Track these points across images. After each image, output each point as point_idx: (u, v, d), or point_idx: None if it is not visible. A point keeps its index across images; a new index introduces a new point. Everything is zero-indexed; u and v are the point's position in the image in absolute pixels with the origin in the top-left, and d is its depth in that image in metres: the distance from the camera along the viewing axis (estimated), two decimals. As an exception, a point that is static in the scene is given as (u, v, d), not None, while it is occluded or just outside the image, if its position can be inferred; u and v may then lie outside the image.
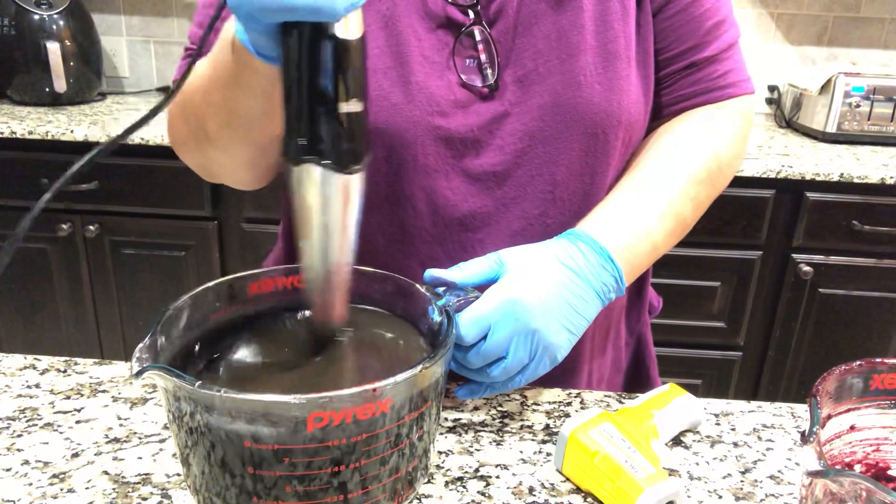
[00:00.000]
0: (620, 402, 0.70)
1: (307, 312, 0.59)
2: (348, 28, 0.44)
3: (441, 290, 0.58)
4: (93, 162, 0.47)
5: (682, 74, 0.71)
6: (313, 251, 0.49)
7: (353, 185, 0.47)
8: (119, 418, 0.64)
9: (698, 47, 0.70)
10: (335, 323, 0.53)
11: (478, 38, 0.66)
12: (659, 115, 0.74)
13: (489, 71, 0.66)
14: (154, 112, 0.50)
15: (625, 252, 0.64)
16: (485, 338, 0.57)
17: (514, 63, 0.66)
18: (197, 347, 0.54)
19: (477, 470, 0.59)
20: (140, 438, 0.61)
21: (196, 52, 0.50)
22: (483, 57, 0.66)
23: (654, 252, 0.67)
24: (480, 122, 0.66)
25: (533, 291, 0.58)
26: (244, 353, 0.54)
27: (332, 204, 0.47)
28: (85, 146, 1.75)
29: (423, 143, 0.65)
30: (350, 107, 0.45)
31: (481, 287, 0.59)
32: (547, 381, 0.70)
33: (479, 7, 0.66)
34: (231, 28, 0.53)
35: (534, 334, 0.58)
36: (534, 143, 0.67)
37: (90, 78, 2.11)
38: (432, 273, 0.59)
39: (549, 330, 0.58)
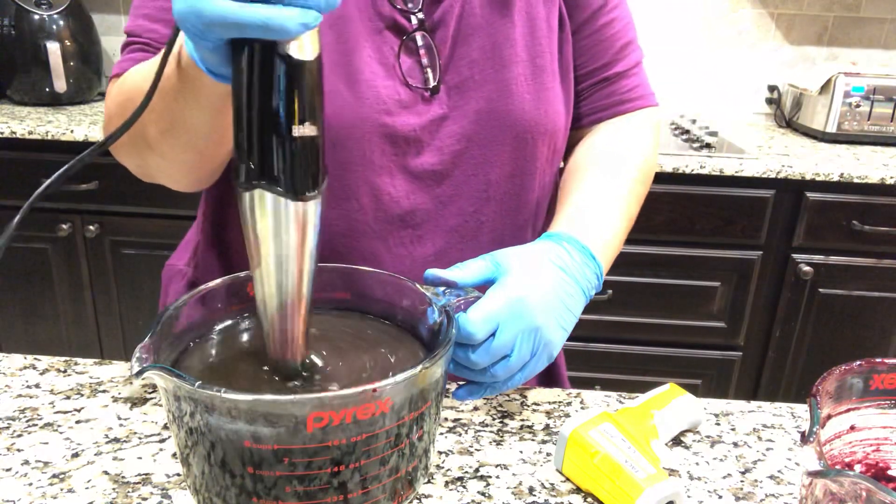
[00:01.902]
0: (620, 402, 0.70)
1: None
2: (302, 48, 0.41)
3: (441, 290, 0.58)
4: (63, 179, 0.47)
5: (598, 88, 0.79)
6: (266, 282, 0.47)
7: (307, 212, 0.45)
8: (119, 418, 0.64)
9: (610, 64, 0.79)
10: (292, 361, 0.50)
11: (420, 42, 0.70)
12: (578, 124, 0.81)
13: (431, 74, 0.70)
14: (128, 125, 0.50)
15: (602, 249, 0.68)
16: (492, 336, 0.58)
17: (452, 70, 0.71)
18: (197, 347, 0.54)
19: (477, 470, 0.59)
20: (140, 438, 0.61)
21: (158, 72, 0.50)
22: (425, 61, 0.70)
23: (617, 248, 0.72)
24: (422, 123, 0.70)
25: (534, 290, 0.59)
26: (244, 353, 0.54)
27: (285, 232, 0.45)
28: (85, 146, 1.75)
29: (370, 140, 0.68)
30: (303, 130, 0.43)
31: (479, 288, 0.60)
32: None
33: (421, 14, 0.70)
34: (179, 40, 0.52)
35: (537, 332, 0.59)
36: (470, 146, 0.71)
37: (90, 78, 2.10)
38: (434, 273, 0.59)
39: (549, 327, 0.60)
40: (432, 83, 0.70)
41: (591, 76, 0.79)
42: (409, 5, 0.70)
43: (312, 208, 0.45)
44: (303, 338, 0.50)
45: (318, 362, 0.52)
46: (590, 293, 0.66)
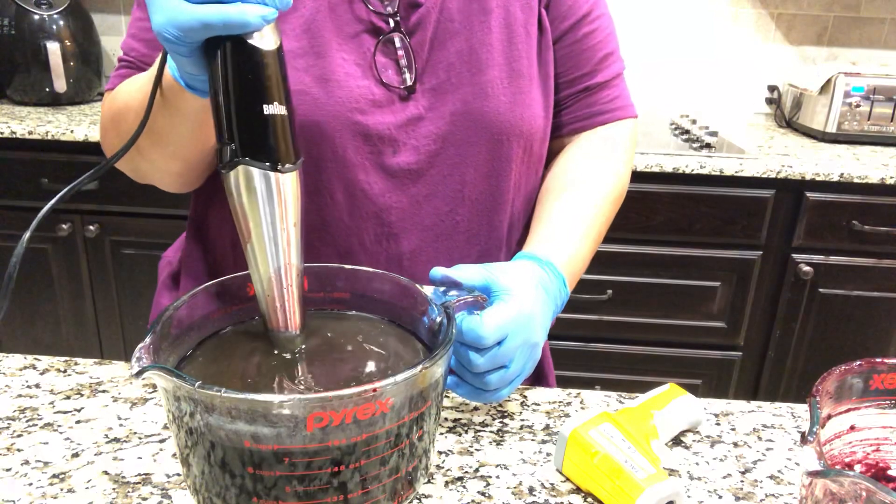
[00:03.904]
0: (620, 402, 0.70)
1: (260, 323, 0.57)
2: (264, 39, 0.48)
3: (441, 289, 0.58)
4: (68, 196, 0.52)
5: (579, 97, 0.81)
6: (257, 254, 0.51)
7: (287, 183, 0.50)
8: (119, 418, 0.64)
9: (592, 73, 0.80)
10: (290, 332, 0.53)
11: (398, 44, 0.71)
12: (559, 133, 0.82)
13: (408, 75, 0.71)
14: (129, 145, 0.55)
15: (571, 277, 0.71)
16: (498, 345, 0.59)
17: (429, 73, 0.72)
18: (196, 348, 0.54)
19: (477, 470, 0.59)
20: (140, 438, 0.61)
21: (152, 95, 0.56)
22: (403, 62, 0.71)
23: (581, 273, 0.75)
24: (398, 122, 0.71)
25: (536, 309, 0.62)
26: (244, 353, 0.54)
27: (268, 203, 0.49)
28: (85, 146, 1.75)
29: (342, 137, 0.69)
30: (273, 109, 0.48)
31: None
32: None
33: (399, 17, 0.71)
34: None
35: (534, 348, 0.62)
36: (446, 146, 0.73)
37: (90, 78, 2.10)
38: (440, 271, 0.60)
39: (539, 345, 0.63)
40: (409, 83, 0.71)
41: (572, 85, 0.80)
42: (388, 8, 0.71)
43: (291, 180, 0.50)
44: (299, 307, 0.53)
45: (317, 336, 0.55)
46: (555, 315, 0.68)
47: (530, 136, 0.76)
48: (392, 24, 0.71)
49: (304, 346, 0.54)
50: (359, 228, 0.72)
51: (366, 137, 0.70)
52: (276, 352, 0.53)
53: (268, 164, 0.49)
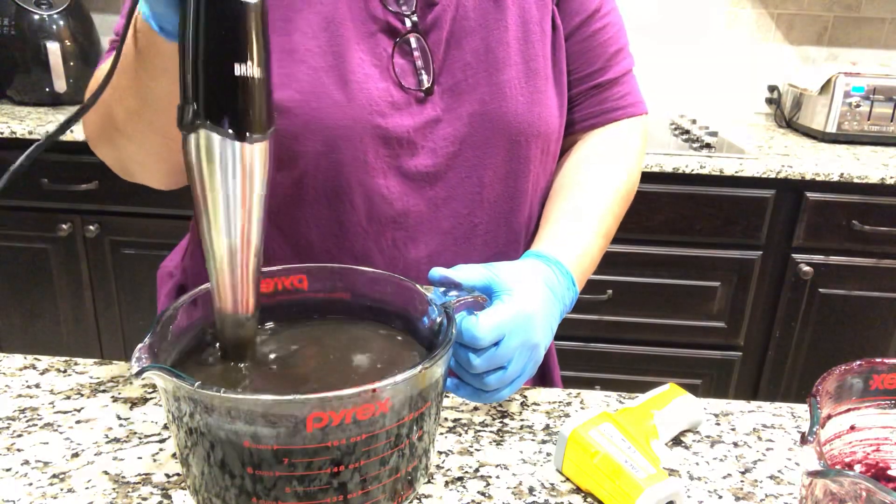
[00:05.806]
0: (620, 402, 0.70)
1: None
2: None
3: (441, 290, 0.58)
4: (30, 161, 0.47)
5: (590, 94, 0.80)
6: (213, 229, 0.46)
7: (254, 154, 0.45)
8: (119, 418, 0.64)
9: (602, 70, 0.79)
10: (242, 316, 0.49)
11: (414, 45, 0.70)
12: (570, 130, 0.81)
13: (425, 76, 0.70)
14: (90, 104, 0.50)
15: (580, 275, 0.71)
16: (495, 345, 0.58)
17: (446, 73, 0.71)
18: (196, 348, 0.54)
19: (477, 470, 0.59)
20: (140, 438, 0.61)
21: (120, 41, 0.51)
22: (419, 63, 0.70)
23: (591, 271, 0.75)
24: (416, 125, 0.70)
25: (538, 309, 0.61)
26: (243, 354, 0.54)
27: (228, 175, 0.44)
28: (85, 146, 1.74)
29: (363, 141, 0.68)
30: (246, 70, 0.43)
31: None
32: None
33: (415, 17, 0.70)
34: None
35: (534, 349, 0.61)
36: (463, 148, 0.72)
37: (90, 78, 2.10)
38: (440, 272, 0.60)
39: (541, 346, 0.62)
40: (426, 85, 0.70)
41: (583, 82, 0.79)
42: (403, 8, 0.70)
43: (258, 151, 0.45)
44: (253, 289, 0.49)
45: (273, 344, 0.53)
46: (563, 315, 0.68)
47: (547, 136, 0.75)
48: (409, 24, 0.70)
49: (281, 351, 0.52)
50: (377, 233, 0.71)
51: (385, 141, 0.69)
52: (283, 349, 0.53)
53: (232, 131, 0.43)
